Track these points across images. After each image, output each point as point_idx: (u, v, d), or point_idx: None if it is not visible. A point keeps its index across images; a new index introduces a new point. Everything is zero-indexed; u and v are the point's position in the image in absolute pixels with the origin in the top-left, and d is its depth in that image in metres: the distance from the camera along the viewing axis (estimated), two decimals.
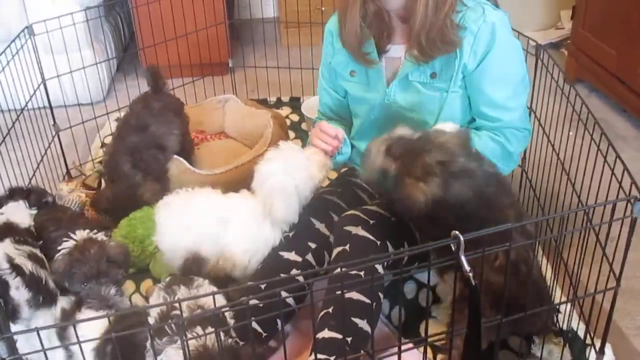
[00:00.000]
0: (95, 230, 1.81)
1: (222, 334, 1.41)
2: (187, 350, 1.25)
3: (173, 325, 1.39)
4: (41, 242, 1.95)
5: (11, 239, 1.85)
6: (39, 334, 1.22)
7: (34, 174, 2.41)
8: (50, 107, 2.70)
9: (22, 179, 2.32)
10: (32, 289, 1.74)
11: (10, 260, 1.74)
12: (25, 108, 2.44)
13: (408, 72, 1.83)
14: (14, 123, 2.31)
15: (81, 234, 1.76)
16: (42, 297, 1.76)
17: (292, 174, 1.85)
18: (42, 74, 2.62)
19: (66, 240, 1.75)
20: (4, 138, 2.18)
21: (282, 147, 1.92)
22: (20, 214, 2.00)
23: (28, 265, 1.76)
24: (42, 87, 2.63)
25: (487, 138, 1.82)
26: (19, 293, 1.71)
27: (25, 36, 2.50)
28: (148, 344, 1.45)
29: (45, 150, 2.54)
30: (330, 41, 1.98)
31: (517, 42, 1.82)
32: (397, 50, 1.87)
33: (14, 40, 2.44)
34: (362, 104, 1.96)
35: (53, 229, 1.95)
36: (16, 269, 1.73)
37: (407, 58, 1.82)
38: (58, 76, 2.72)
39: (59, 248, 1.74)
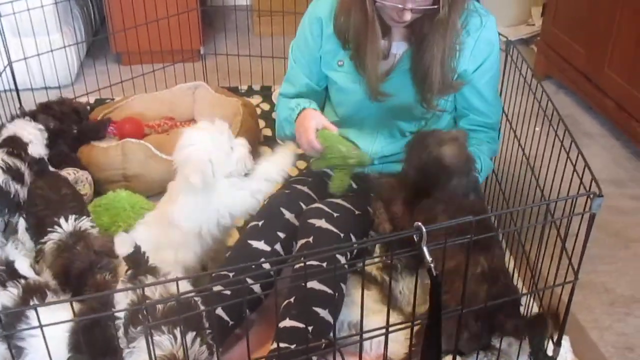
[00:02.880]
0: (83, 218, 1.90)
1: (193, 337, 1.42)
2: (150, 340, 1.24)
3: (145, 312, 1.38)
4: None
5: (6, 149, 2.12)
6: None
7: None
8: (17, 90, 2.67)
9: None
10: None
11: None
12: None
13: (405, 68, 1.86)
14: None
15: (66, 226, 1.85)
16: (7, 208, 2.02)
17: (210, 149, 1.84)
18: (8, 56, 2.58)
19: (52, 230, 1.85)
20: None
21: (209, 125, 1.90)
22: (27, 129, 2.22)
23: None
24: (8, 69, 2.59)
25: (487, 150, 1.96)
26: None
27: None
28: (119, 332, 1.45)
29: None
30: (319, 29, 1.92)
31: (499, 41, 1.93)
32: (394, 47, 1.88)
33: None
34: (350, 94, 1.94)
35: (42, 207, 1.97)
36: None
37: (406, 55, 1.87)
38: (25, 59, 2.69)
39: (45, 240, 1.86)
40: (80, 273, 1.74)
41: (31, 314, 1.48)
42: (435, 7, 1.66)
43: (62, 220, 1.87)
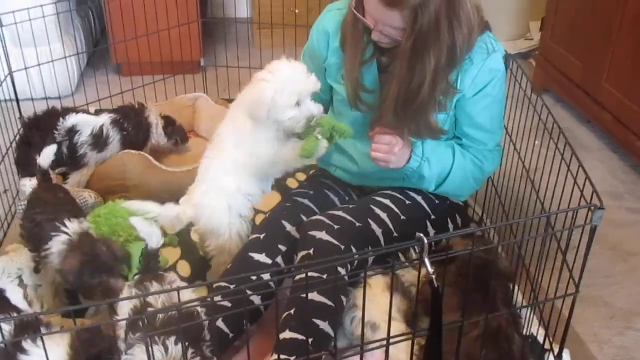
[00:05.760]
0: (83, 220, 1.89)
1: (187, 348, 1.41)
2: (151, 349, 1.24)
3: (145, 320, 1.38)
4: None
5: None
6: None
7: None
8: (17, 100, 2.67)
9: None
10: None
11: None
12: None
13: None
14: None
15: (73, 227, 1.83)
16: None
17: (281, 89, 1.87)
18: (9, 66, 2.59)
19: (56, 234, 1.81)
20: None
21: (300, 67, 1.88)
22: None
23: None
24: (9, 79, 2.59)
25: (470, 161, 1.88)
26: None
27: None
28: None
29: (11, 144, 2.50)
30: (325, 42, 1.94)
31: (504, 71, 1.88)
32: (397, 65, 1.87)
33: None
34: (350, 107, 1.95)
35: (39, 210, 1.94)
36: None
37: None
38: (26, 69, 2.69)
39: (49, 246, 1.81)
40: (99, 268, 1.75)
41: (28, 346, 1.41)
42: (399, 39, 1.67)
43: (66, 222, 1.84)
